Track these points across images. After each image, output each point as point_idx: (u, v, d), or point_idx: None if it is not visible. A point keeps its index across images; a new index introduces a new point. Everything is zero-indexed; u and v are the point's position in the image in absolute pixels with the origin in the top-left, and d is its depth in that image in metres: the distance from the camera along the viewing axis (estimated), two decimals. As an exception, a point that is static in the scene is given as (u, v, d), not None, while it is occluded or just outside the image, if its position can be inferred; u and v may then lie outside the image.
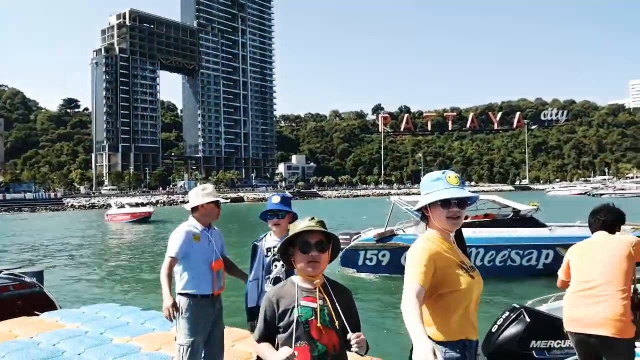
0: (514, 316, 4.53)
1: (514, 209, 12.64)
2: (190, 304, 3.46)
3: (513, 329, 4.47)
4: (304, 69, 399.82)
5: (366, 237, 12.68)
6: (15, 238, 28.92)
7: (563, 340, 4.27)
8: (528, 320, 4.46)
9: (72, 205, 78.13)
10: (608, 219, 3.38)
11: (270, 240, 3.40)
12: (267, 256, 3.35)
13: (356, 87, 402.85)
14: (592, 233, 3.44)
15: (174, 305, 3.35)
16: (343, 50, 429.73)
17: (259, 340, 2.05)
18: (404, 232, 12.37)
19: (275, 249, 3.24)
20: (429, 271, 1.96)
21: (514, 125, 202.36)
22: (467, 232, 1.86)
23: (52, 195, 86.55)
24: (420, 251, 2.01)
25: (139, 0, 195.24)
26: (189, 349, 3.43)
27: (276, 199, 3.39)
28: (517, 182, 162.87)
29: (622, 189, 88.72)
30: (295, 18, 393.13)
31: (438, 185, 2.09)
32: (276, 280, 3.23)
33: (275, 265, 3.28)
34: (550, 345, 4.36)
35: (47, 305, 7.41)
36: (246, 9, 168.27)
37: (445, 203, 2.05)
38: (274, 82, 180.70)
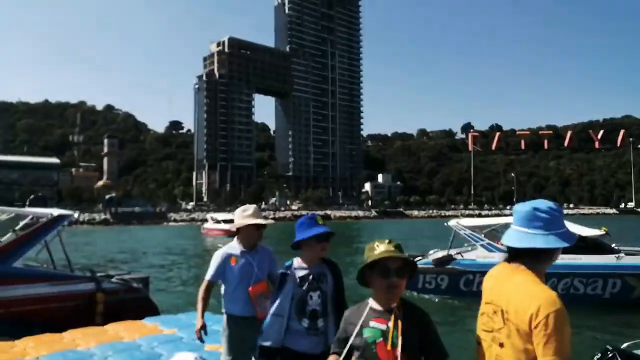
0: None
1: (579, 234, 11.75)
2: (229, 324, 3.53)
3: None
4: (391, 88, 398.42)
5: (425, 261, 12.52)
6: (125, 246, 32.31)
7: None
8: None
9: (174, 219, 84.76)
10: None
11: (300, 269, 2.95)
12: (301, 286, 2.90)
13: (444, 105, 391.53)
14: None
15: (203, 328, 3.42)
16: (431, 68, 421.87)
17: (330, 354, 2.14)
18: (462, 256, 12.24)
19: (311, 278, 2.92)
20: None
21: (618, 144, 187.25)
22: None
23: (158, 209, 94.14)
24: (567, 318, 1.68)
25: (237, 26, 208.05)
26: None
27: (320, 220, 2.95)
28: (622, 205, 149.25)
29: None
30: (382, 37, 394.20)
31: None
32: (312, 315, 2.87)
33: (311, 297, 2.89)
34: None
35: (151, 309, 8.20)
36: (336, 33, 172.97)
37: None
38: (362, 102, 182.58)
